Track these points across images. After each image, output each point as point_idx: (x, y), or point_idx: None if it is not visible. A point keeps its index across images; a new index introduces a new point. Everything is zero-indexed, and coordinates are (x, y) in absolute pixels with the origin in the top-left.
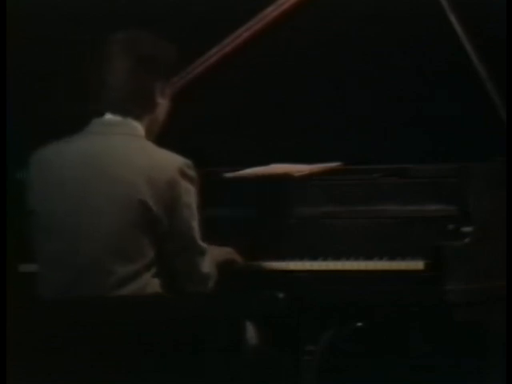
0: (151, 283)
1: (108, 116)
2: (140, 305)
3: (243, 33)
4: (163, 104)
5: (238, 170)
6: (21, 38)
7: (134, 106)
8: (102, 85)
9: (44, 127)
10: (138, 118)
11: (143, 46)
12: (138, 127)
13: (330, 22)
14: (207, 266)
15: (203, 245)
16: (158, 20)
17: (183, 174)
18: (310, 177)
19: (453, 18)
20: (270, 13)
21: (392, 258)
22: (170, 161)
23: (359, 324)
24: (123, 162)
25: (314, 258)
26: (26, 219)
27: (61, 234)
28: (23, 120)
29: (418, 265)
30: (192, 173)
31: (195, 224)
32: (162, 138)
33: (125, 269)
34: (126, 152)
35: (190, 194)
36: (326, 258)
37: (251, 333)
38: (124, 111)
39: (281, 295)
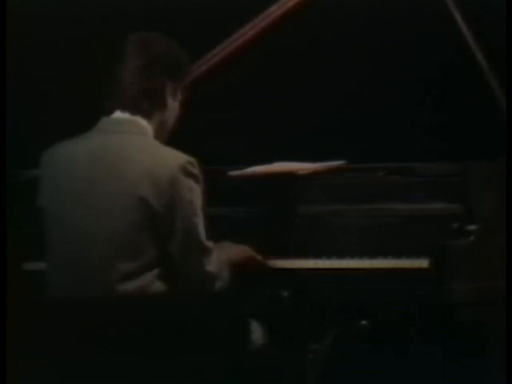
0: (154, 282)
1: (117, 114)
2: (143, 304)
3: (246, 32)
4: (174, 106)
5: (241, 169)
6: (21, 37)
7: (144, 102)
8: (114, 83)
9: (44, 127)
10: (147, 116)
11: (157, 46)
12: (146, 125)
13: (332, 21)
14: (213, 265)
15: (208, 244)
16: (158, 20)
17: (185, 172)
18: (313, 175)
19: (455, 17)
20: (270, 13)
21: (397, 256)
22: (172, 158)
23: (363, 322)
24: (126, 160)
25: (319, 256)
26: (35, 216)
27: (68, 232)
28: (23, 120)
29: (422, 263)
30: (195, 170)
31: (199, 222)
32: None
33: (127, 266)
34: (130, 150)
35: (192, 191)
36: (330, 256)
37: (256, 332)
38: (133, 108)
39: (285, 293)
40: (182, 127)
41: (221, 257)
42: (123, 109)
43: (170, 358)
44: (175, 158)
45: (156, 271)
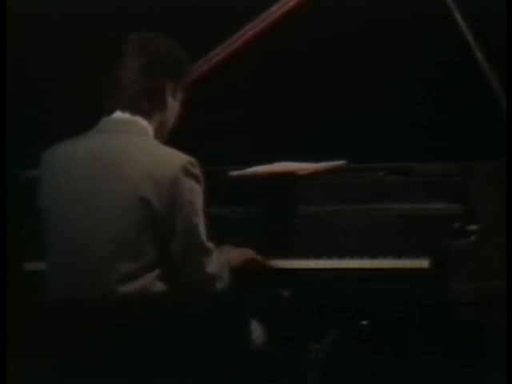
0: (155, 282)
1: (117, 114)
2: (143, 304)
3: (247, 32)
4: (174, 106)
5: (241, 169)
6: (21, 37)
7: (144, 102)
8: (114, 83)
9: (44, 127)
10: (147, 116)
11: (157, 46)
12: (146, 125)
13: (332, 21)
14: (213, 266)
15: (209, 244)
16: (158, 20)
17: (186, 172)
18: (314, 175)
19: (455, 17)
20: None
21: (397, 256)
22: (173, 159)
23: (363, 322)
24: (127, 160)
25: (319, 256)
26: (36, 216)
27: (68, 232)
28: (23, 120)
29: (422, 263)
30: (196, 171)
31: (200, 223)
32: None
33: (128, 266)
34: (131, 150)
35: (193, 192)
36: (330, 256)
37: (256, 330)
38: (134, 108)
39: (286, 293)
40: (182, 127)
41: (221, 259)
42: (123, 109)
43: (170, 358)
44: (176, 158)
45: (156, 272)
